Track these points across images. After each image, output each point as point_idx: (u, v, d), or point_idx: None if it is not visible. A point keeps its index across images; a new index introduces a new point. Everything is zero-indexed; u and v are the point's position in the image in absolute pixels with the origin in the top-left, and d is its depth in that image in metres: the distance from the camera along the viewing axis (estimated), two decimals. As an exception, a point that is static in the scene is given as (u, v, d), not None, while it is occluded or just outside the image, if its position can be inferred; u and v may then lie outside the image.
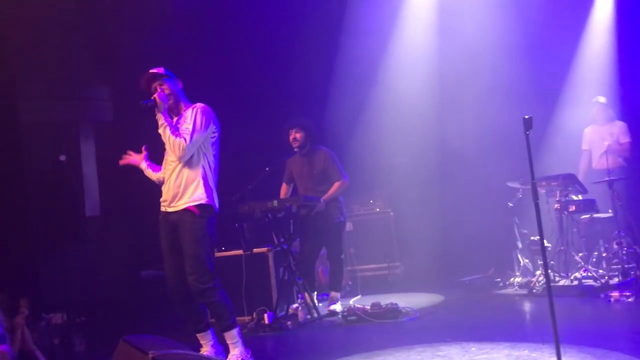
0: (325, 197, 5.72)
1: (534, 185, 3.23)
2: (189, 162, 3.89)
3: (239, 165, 7.06)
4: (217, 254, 5.98)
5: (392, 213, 7.80)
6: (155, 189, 8.00)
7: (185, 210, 3.85)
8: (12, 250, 6.75)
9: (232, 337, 3.85)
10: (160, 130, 3.90)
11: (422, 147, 7.55)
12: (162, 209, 3.97)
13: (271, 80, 7.68)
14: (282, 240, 5.70)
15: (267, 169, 5.75)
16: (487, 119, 7.10)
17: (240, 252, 5.77)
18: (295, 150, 5.84)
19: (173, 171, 3.92)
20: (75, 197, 6.75)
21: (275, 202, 5.56)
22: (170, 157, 3.94)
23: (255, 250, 5.80)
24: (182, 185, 3.88)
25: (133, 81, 8.03)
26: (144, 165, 4.20)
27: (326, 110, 7.59)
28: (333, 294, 5.95)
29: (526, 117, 3.18)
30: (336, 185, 5.79)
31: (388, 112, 7.76)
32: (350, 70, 7.62)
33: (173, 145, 3.82)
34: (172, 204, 3.91)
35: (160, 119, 3.89)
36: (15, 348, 4.13)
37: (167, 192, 3.94)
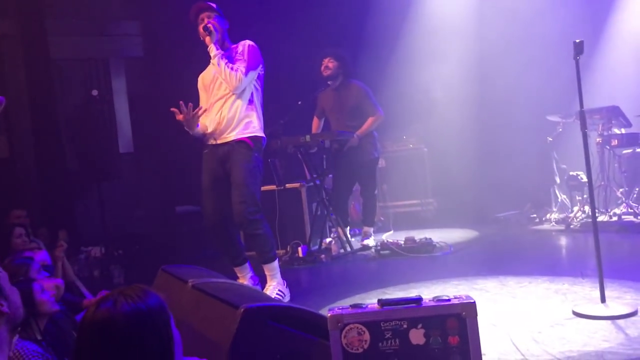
0: (359, 132, 5.60)
1: (582, 114, 3.09)
2: (241, 95, 3.85)
3: (271, 99, 6.97)
4: (251, 189, 5.99)
5: (425, 149, 7.66)
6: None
7: (239, 141, 3.83)
8: (50, 186, 6.89)
9: (272, 269, 3.88)
10: (215, 61, 3.84)
11: (458, 81, 7.30)
12: (211, 142, 3.91)
13: (306, 9, 7.44)
14: (314, 175, 5.66)
15: (299, 102, 5.65)
16: (527, 50, 6.80)
17: (273, 187, 5.76)
18: (327, 81, 5.69)
19: (224, 103, 3.86)
20: (108, 133, 6.79)
21: (307, 137, 5.47)
22: (221, 91, 3.88)
23: (288, 185, 5.79)
24: (236, 118, 3.84)
25: (163, 17, 7.95)
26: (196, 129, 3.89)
27: (361, 42, 7.35)
28: (366, 228, 5.94)
29: (577, 40, 3.00)
30: (370, 120, 5.66)
31: (423, 44, 7.48)
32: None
33: (229, 76, 3.78)
34: (222, 136, 3.86)
35: (213, 50, 3.85)
36: (71, 276, 4.25)
37: (216, 124, 3.88)
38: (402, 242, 5.21)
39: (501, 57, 6.90)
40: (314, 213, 5.70)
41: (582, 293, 3.38)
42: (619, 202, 5.65)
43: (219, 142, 3.88)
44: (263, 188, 5.84)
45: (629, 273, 3.74)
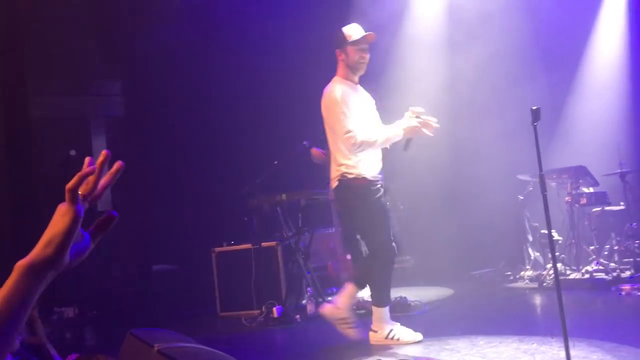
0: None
1: (542, 177, 3.21)
2: None
3: (247, 159, 7.09)
4: (226, 248, 6.03)
5: (402, 207, 7.76)
6: (165, 185, 8.03)
7: None
8: (24, 245, 6.83)
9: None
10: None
11: (431, 140, 7.45)
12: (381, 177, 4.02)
13: (283, 74, 7.66)
14: (290, 234, 5.71)
15: (275, 162, 5.75)
16: (497, 111, 7.03)
17: (249, 246, 5.78)
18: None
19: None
20: (86, 192, 6.80)
21: (283, 196, 5.56)
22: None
23: (264, 244, 5.82)
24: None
25: (145, 77, 8.12)
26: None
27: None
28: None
29: (534, 107, 3.15)
30: None
31: (397, 104, 7.67)
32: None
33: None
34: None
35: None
36: (42, 339, 4.18)
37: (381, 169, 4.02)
38: (377, 302, 5.22)
39: (472, 121, 7.15)
40: (289, 272, 5.71)
41: (550, 353, 3.42)
42: (590, 259, 5.75)
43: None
44: (238, 247, 5.92)
45: (598, 332, 3.78)
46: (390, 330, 4.00)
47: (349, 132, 3.78)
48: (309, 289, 5.73)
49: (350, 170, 3.87)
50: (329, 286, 6.69)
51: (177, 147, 7.84)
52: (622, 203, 5.94)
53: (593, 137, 6.85)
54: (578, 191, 5.91)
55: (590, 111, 7.01)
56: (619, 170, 5.78)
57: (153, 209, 7.76)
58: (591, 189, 6.04)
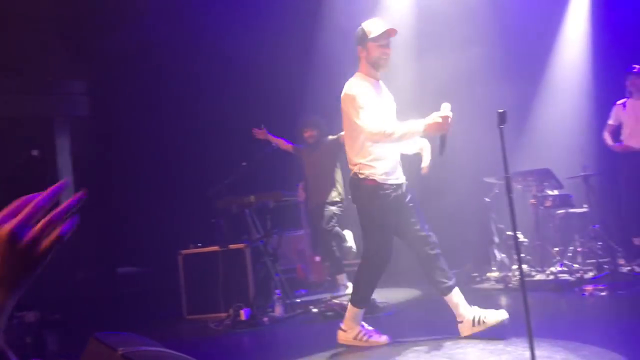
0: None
1: (507, 179, 3.24)
2: None
3: (216, 160, 7.03)
4: (193, 251, 5.96)
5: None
6: (132, 186, 7.90)
7: None
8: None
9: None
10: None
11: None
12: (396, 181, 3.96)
13: (252, 74, 7.62)
14: (259, 236, 5.67)
15: (243, 164, 5.71)
16: (463, 113, 7.08)
17: (216, 248, 5.72)
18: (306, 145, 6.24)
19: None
20: (49, 193, 6.65)
21: (252, 197, 5.53)
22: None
23: (232, 246, 5.76)
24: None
25: (111, 75, 7.99)
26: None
27: (305, 106, 7.54)
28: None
29: (500, 110, 3.18)
30: None
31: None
32: (328, 69, 7.48)
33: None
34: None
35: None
36: (1, 344, 4.06)
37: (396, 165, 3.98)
38: (346, 303, 5.21)
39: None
40: (258, 274, 5.67)
41: (516, 353, 3.45)
42: (555, 260, 5.85)
43: (400, 182, 4.00)
44: (206, 249, 5.86)
45: (561, 332, 3.84)
46: (359, 332, 4.00)
47: (364, 123, 3.73)
48: (277, 291, 5.70)
49: (362, 171, 3.88)
50: (297, 288, 6.69)
51: (144, 147, 7.73)
52: (585, 205, 6.06)
53: (558, 141, 6.98)
54: (543, 194, 6.01)
55: (556, 115, 7.13)
56: (583, 173, 5.89)
57: (118, 211, 7.63)
58: (556, 192, 6.15)
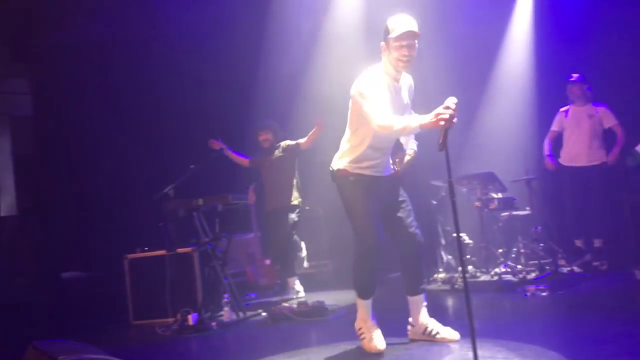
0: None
1: (450, 183, 3.32)
2: None
3: (164, 162, 6.92)
4: (139, 255, 5.86)
5: (322, 211, 7.82)
6: (76, 188, 7.68)
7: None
8: None
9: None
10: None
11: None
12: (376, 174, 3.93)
13: (200, 75, 7.54)
14: (207, 239, 5.61)
15: (192, 166, 5.64)
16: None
17: (163, 252, 5.64)
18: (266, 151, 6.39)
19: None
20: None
21: (200, 200, 5.47)
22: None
23: (179, 250, 5.68)
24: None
25: (53, 75, 7.74)
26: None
27: (252, 110, 7.51)
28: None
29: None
30: None
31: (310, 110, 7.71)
32: (276, 73, 7.48)
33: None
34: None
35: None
36: None
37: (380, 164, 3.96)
38: (296, 307, 5.23)
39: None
40: (206, 278, 5.61)
41: (459, 353, 3.54)
42: (499, 261, 6.01)
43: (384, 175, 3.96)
44: (153, 253, 5.77)
45: (504, 332, 3.95)
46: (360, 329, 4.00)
47: (367, 115, 3.67)
48: (226, 295, 5.65)
49: (336, 165, 3.95)
50: (247, 292, 6.66)
51: (88, 148, 7.54)
52: (527, 208, 6.25)
53: (502, 145, 7.17)
54: (487, 196, 6.17)
55: (500, 120, 7.33)
56: (526, 177, 6.07)
57: (62, 214, 7.42)
58: (500, 195, 6.32)
